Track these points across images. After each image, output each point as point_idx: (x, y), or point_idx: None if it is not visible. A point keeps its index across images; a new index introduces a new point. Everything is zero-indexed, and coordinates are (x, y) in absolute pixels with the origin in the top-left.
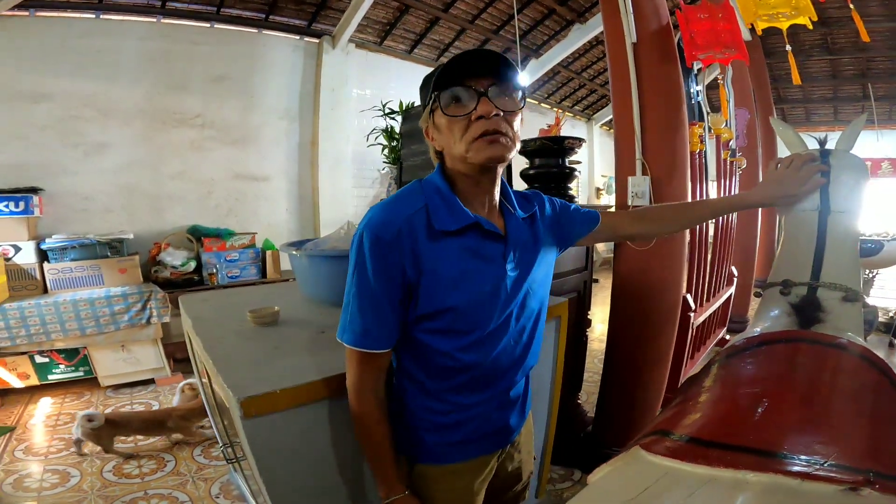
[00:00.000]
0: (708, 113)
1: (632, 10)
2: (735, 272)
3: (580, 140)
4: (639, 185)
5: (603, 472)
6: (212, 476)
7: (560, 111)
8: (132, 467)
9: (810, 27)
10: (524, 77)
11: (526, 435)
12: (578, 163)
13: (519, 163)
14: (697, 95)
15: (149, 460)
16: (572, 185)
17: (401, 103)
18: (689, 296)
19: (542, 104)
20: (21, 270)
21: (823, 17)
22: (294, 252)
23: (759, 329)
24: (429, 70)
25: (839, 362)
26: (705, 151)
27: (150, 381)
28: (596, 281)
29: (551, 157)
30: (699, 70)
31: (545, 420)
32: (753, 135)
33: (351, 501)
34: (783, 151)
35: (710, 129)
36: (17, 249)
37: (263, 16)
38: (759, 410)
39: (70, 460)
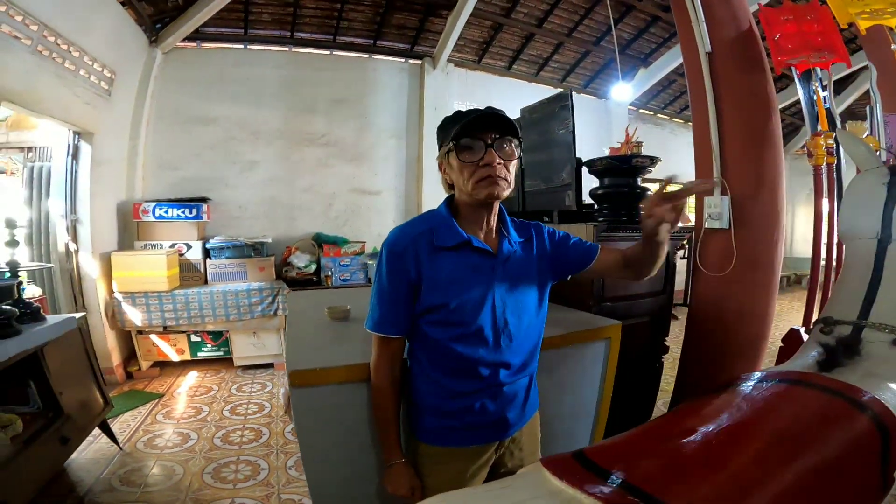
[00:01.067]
0: (845, 122)
1: (703, 18)
2: None
3: (652, 159)
4: (715, 207)
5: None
6: (293, 451)
7: (631, 127)
8: (237, 436)
9: None
10: (627, 89)
11: (529, 435)
12: (660, 181)
13: (589, 181)
14: (825, 102)
15: (250, 432)
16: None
17: None
18: (802, 329)
19: (659, 115)
20: (190, 264)
21: None
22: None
23: (784, 369)
24: (531, 85)
25: (827, 412)
26: (839, 165)
27: (270, 365)
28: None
29: (620, 176)
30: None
31: (587, 441)
32: None
33: (375, 472)
34: None
35: None
36: (189, 247)
37: (371, 41)
38: (669, 443)
39: (195, 426)
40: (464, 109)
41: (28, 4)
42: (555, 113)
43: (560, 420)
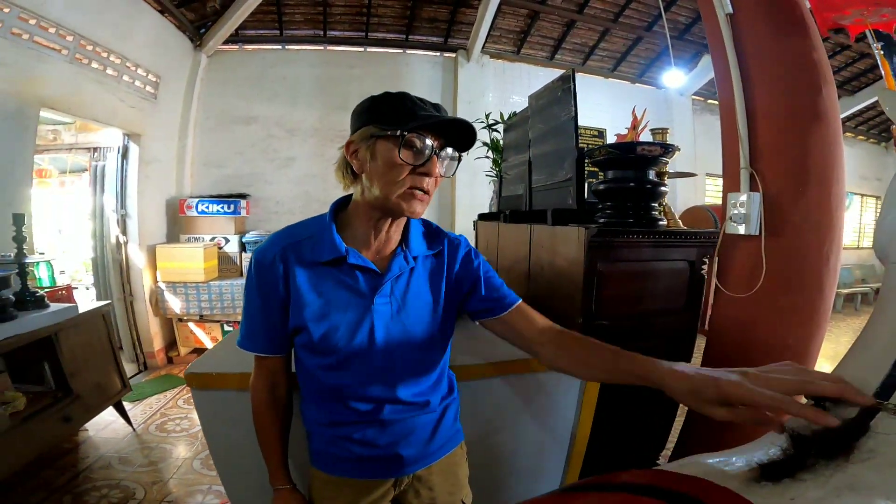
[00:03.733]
0: None
1: None
2: None
3: (667, 147)
4: (741, 207)
5: None
6: None
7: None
8: None
9: None
10: (680, 76)
11: (443, 474)
12: (684, 174)
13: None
14: None
15: None
16: (658, 203)
17: (501, 115)
18: None
19: None
20: (228, 257)
21: None
22: None
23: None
24: (577, 76)
25: None
26: None
27: None
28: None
29: (626, 168)
30: None
31: (559, 478)
32: None
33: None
34: None
35: None
36: (227, 241)
37: (403, 36)
38: None
39: None
40: (413, 96)
41: (60, 16)
42: (558, 97)
43: (522, 455)
